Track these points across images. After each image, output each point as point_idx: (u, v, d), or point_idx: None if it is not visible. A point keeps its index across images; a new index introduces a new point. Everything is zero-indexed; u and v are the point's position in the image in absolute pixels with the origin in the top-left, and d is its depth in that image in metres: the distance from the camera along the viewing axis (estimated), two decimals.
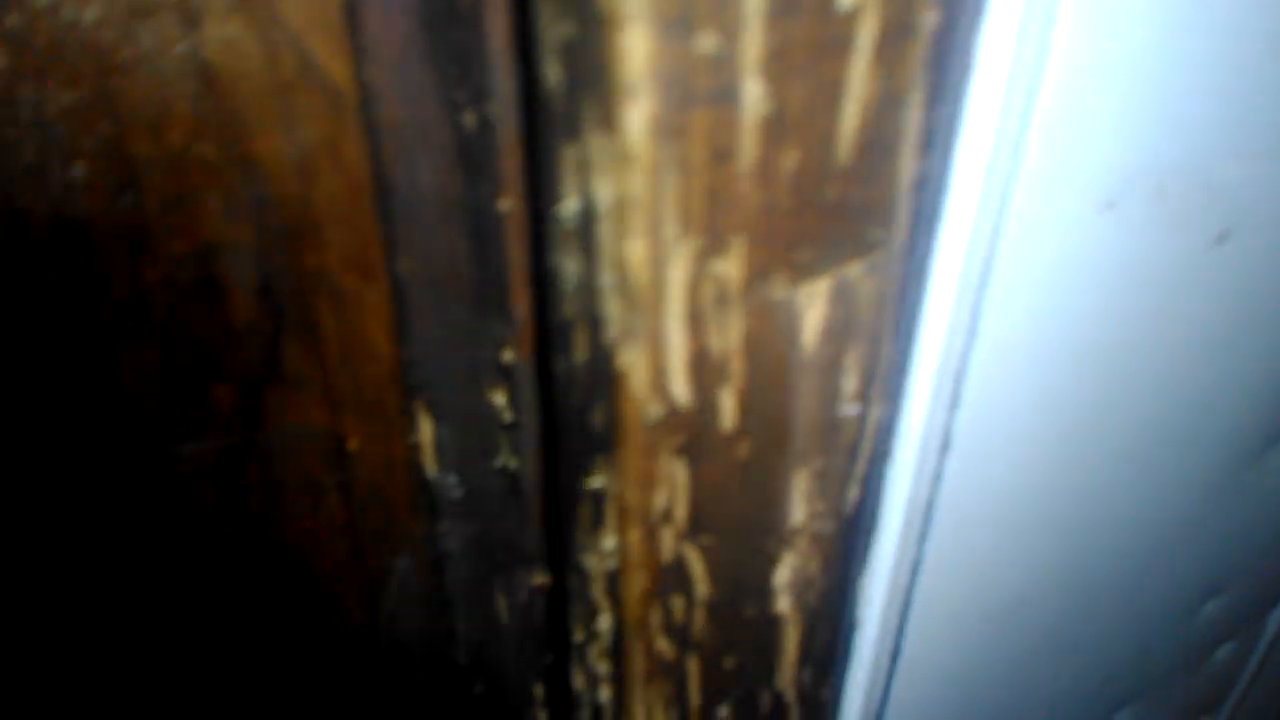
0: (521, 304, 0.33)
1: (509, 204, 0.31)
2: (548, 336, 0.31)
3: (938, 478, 0.41)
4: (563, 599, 0.36)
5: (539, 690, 0.46)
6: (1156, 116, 0.33)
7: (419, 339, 0.37)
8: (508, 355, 0.36)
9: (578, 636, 0.36)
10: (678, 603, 0.32)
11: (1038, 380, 0.42)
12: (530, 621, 0.43)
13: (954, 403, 0.40)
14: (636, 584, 0.32)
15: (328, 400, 0.38)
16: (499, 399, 0.37)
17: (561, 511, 0.34)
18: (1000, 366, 0.40)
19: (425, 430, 0.39)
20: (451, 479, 0.40)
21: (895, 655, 0.51)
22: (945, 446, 0.41)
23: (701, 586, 0.31)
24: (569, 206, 0.25)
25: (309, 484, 0.40)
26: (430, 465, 0.40)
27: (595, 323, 0.27)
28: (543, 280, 0.30)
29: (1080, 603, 0.56)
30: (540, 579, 0.41)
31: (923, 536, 0.44)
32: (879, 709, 0.54)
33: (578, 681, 0.38)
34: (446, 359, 0.37)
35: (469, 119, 0.31)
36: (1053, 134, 0.31)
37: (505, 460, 0.38)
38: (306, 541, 0.42)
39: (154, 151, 0.30)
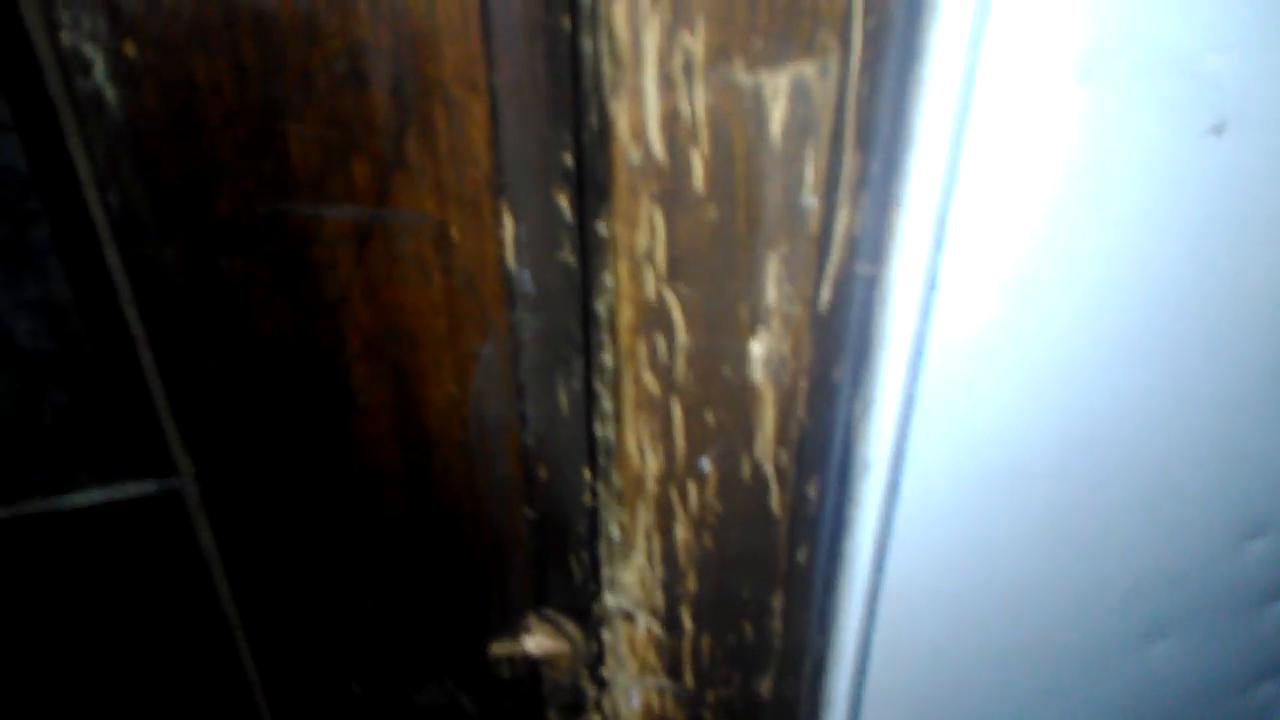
0: (573, 113, 0.42)
1: (570, 23, 0.40)
2: (582, 124, 0.39)
3: (926, 314, 0.47)
4: (590, 360, 0.45)
5: (587, 474, 0.55)
6: None
7: (507, 147, 0.47)
8: (569, 161, 0.45)
9: (596, 386, 0.45)
10: (660, 341, 0.40)
11: (1024, 240, 0.46)
12: (582, 410, 0.53)
13: (938, 246, 0.45)
14: (626, 316, 0.40)
15: (438, 192, 0.49)
16: (563, 200, 0.46)
17: (587, 272, 0.42)
18: (985, 218, 0.45)
19: (508, 227, 0.49)
20: (526, 273, 0.50)
21: (894, 494, 0.57)
22: (931, 286, 0.46)
23: (681, 333, 0.39)
24: None
25: (420, 260, 0.51)
26: (511, 259, 0.50)
27: (598, 84, 0.35)
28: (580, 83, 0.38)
29: (1086, 483, 0.58)
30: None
31: (915, 375, 0.49)
32: (882, 544, 0.60)
33: (597, 426, 0.47)
34: (527, 165, 0.47)
35: None
36: None
37: (565, 257, 0.48)
38: (416, 313, 0.53)
39: None
